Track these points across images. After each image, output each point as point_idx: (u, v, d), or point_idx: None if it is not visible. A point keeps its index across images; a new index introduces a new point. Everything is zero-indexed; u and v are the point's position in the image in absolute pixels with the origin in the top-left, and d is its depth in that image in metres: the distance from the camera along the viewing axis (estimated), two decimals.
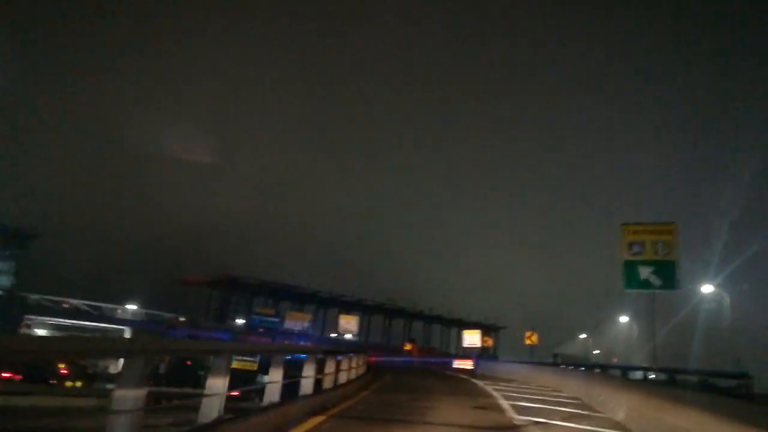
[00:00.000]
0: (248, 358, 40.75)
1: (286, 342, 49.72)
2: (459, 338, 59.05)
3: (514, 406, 10.22)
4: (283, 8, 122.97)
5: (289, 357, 12.13)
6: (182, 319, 58.86)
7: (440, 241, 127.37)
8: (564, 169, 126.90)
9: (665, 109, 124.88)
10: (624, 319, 45.73)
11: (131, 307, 57.34)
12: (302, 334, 60.07)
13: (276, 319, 60.89)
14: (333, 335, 62.56)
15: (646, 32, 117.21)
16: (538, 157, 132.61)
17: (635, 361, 37.86)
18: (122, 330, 52.79)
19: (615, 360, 46.39)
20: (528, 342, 39.13)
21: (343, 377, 12.58)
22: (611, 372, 23.30)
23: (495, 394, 13.33)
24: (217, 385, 5.36)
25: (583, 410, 10.22)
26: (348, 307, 65.22)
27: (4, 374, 31.20)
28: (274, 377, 7.35)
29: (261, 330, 58.40)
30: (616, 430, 8.04)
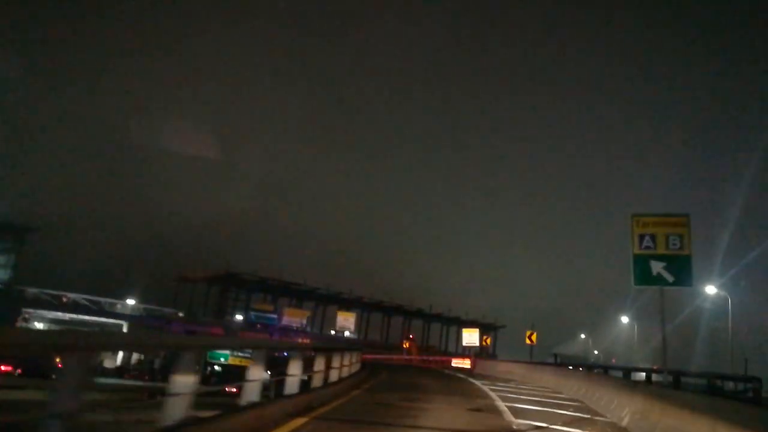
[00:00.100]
0: (244, 354, 40.32)
1: (270, 337, 49.26)
2: (458, 337, 58.59)
3: (512, 409, 9.71)
4: (284, 8, 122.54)
5: (285, 354, 11.68)
6: (181, 314, 58.58)
7: (440, 239, 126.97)
8: (564, 170, 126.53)
9: (666, 110, 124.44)
10: (624, 319, 45.27)
11: (130, 302, 57.12)
12: (300, 331, 59.67)
13: (274, 316, 60.47)
14: (332, 332, 62.17)
15: (647, 31, 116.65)
16: (539, 157, 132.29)
17: (635, 362, 37.37)
18: (120, 324, 52.51)
19: (614, 360, 45.92)
20: (528, 341, 38.62)
21: (334, 375, 12.08)
22: (613, 373, 22.80)
23: (492, 394, 12.83)
24: (184, 383, 4.85)
25: (584, 413, 9.71)
26: (347, 305, 64.77)
27: (2, 367, 30.90)
28: (254, 375, 6.85)
29: (258, 326, 57.99)
30: None
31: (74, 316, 52.78)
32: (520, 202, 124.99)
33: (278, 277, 62.08)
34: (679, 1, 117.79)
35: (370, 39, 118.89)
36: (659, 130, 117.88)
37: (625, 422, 8.37)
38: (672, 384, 14.97)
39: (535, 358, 30.11)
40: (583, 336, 60.79)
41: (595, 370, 21.83)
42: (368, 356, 31.45)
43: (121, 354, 44.82)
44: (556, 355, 34.28)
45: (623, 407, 8.86)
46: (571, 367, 24.09)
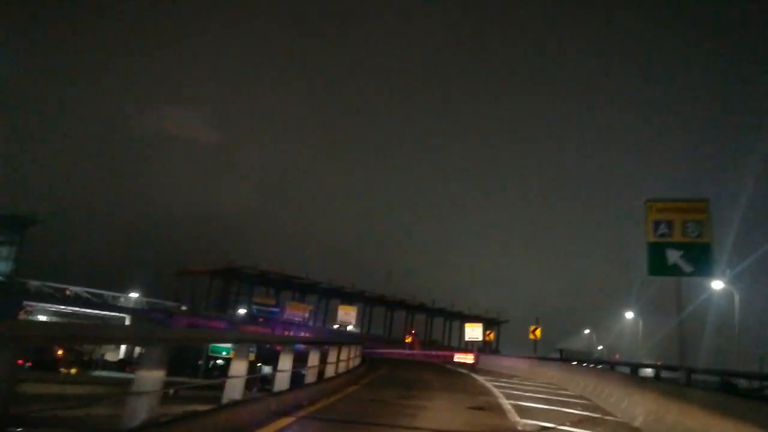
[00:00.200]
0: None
1: (272, 331, 48.89)
2: (461, 331, 58.08)
3: (516, 407, 9.15)
4: (285, 7, 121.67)
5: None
6: (184, 308, 58.41)
7: (444, 235, 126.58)
8: (568, 166, 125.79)
9: (666, 109, 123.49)
10: (629, 314, 44.61)
11: (133, 295, 56.95)
12: (302, 325, 59.38)
13: (276, 309, 60.18)
14: (335, 326, 61.87)
15: (647, 31, 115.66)
16: (541, 155, 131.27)
17: (639, 357, 36.78)
18: (123, 318, 52.38)
19: (617, 356, 45.34)
20: (532, 336, 38.05)
21: (330, 370, 11.59)
22: (619, 369, 22.21)
23: (496, 391, 12.28)
24: (148, 379, 4.32)
25: (594, 412, 9.14)
26: (349, 299, 64.38)
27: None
28: (237, 370, 6.33)
29: (261, 320, 57.75)
30: None
31: (77, 309, 52.63)
32: (523, 198, 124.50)
33: (280, 271, 61.82)
34: (679, 1, 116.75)
35: (370, 39, 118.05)
36: (660, 129, 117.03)
37: (638, 422, 7.80)
38: (684, 381, 14.36)
39: (538, 354, 29.54)
40: (586, 331, 60.21)
41: (599, 366, 21.24)
42: (370, 350, 30.99)
43: (123, 347, 44.71)
44: (561, 351, 33.67)
45: (635, 406, 8.29)
46: (575, 363, 23.53)
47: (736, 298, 27.74)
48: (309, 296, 65.02)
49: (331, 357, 11.72)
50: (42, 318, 49.80)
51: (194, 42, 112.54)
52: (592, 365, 22.42)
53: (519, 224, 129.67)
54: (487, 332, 46.03)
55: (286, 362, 8.06)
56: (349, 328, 61.16)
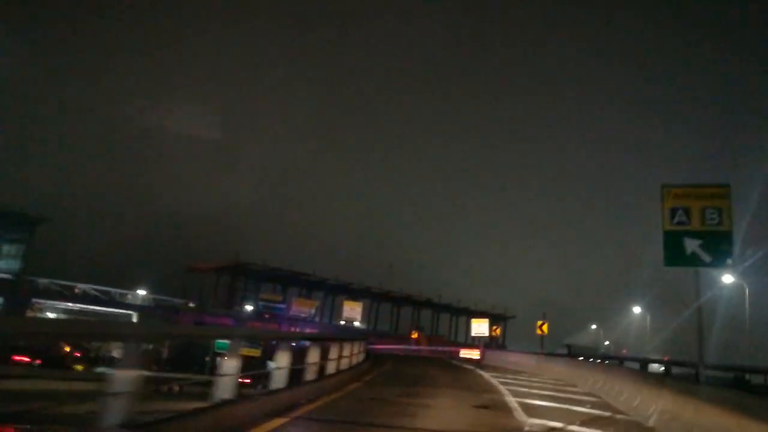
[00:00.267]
0: (249, 344, 39.97)
1: (279, 327, 48.77)
2: (467, 327, 57.69)
3: (523, 405, 8.79)
4: (285, 7, 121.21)
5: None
6: (192, 305, 58.59)
7: (445, 236, 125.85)
8: (570, 159, 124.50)
9: (666, 109, 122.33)
10: (636, 309, 44.09)
11: (141, 292, 57.22)
12: (309, 321, 59.32)
13: (282, 306, 60.12)
14: (342, 322, 61.74)
15: (647, 31, 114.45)
16: (543, 153, 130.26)
17: (646, 353, 36.30)
18: (130, 315, 52.66)
19: (625, 351, 44.85)
20: (539, 332, 37.62)
21: (331, 367, 11.30)
22: (628, 365, 21.79)
23: (502, 388, 11.93)
24: (123, 378, 4.02)
25: (604, 411, 8.77)
26: (355, 295, 64.18)
27: (17, 358, 30.83)
28: (228, 368, 6.01)
29: (267, 316, 57.75)
30: None
31: (84, 306, 52.96)
32: (528, 194, 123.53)
33: (287, 267, 61.74)
34: (679, 1, 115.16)
35: (370, 39, 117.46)
36: (661, 128, 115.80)
37: (651, 422, 7.43)
38: (695, 377, 13.95)
39: (545, 349, 29.13)
40: (593, 327, 59.65)
41: (606, 362, 20.85)
42: (377, 346, 30.74)
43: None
44: (569, 346, 33.22)
45: (648, 404, 7.90)
46: (581, 358, 23.13)
47: (747, 292, 27.13)
48: (316, 293, 64.89)
49: (333, 353, 11.43)
50: (51, 315, 50.12)
51: (194, 42, 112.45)
52: (600, 361, 22.02)
53: (524, 220, 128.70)
54: (494, 328, 45.56)
55: (282, 359, 7.76)
56: (356, 324, 61.00)
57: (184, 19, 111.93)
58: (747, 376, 12.59)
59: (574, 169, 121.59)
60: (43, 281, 53.20)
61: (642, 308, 43.62)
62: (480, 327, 38.76)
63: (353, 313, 60.16)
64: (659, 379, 9.26)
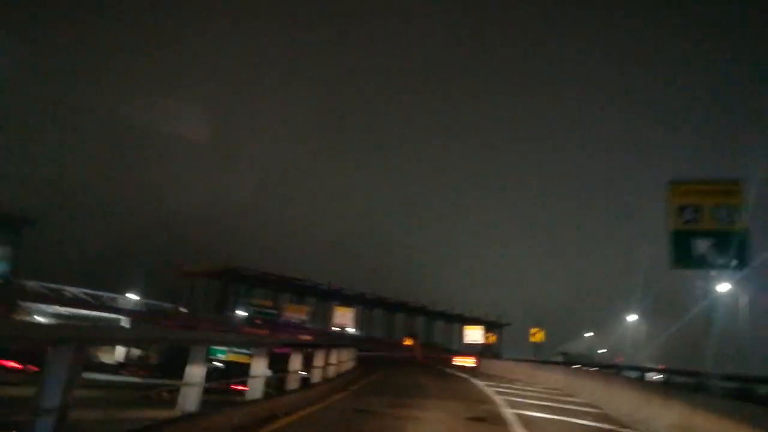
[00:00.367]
0: (241, 351, 39.13)
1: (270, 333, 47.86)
2: (462, 334, 57.03)
3: (519, 417, 8.18)
4: (285, 7, 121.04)
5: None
6: (183, 309, 57.67)
7: (444, 237, 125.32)
8: (568, 166, 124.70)
9: (666, 109, 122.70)
10: (632, 317, 43.67)
11: (132, 296, 56.35)
12: (301, 327, 58.46)
13: (273, 311, 59.26)
14: (336, 329, 60.92)
15: (647, 31, 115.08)
16: (540, 156, 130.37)
17: (640, 361, 35.86)
18: (119, 319, 51.68)
19: (621, 359, 44.44)
20: (533, 339, 37.11)
21: (317, 375, 10.66)
22: (626, 373, 21.22)
23: (497, 398, 11.31)
24: (55, 388, 3.39)
25: (607, 424, 8.16)
26: (349, 301, 63.40)
27: (6, 363, 29.86)
28: (192, 377, 5.39)
29: (258, 321, 56.87)
30: None
31: (74, 310, 51.98)
32: (524, 199, 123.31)
33: (280, 272, 60.97)
34: (679, 1, 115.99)
35: (370, 39, 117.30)
36: (661, 128, 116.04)
37: None
38: (696, 387, 13.40)
39: (540, 357, 28.57)
40: (587, 334, 59.30)
41: (604, 370, 20.28)
42: (368, 353, 29.99)
43: (122, 349, 43.95)
44: (565, 353, 32.65)
45: (655, 417, 7.32)
46: (576, 366, 22.55)
47: (742, 300, 26.60)
48: (308, 298, 64.08)
49: (318, 361, 10.80)
50: (40, 319, 49.05)
51: (194, 42, 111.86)
52: (596, 369, 21.43)
53: (519, 225, 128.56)
54: (488, 335, 44.99)
55: (258, 367, 7.14)
56: (349, 330, 60.17)
57: (184, 19, 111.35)
58: (753, 387, 12.07)
59: (573, 169, 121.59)
60: (31, 284, 52.16)
61: (638, 315, 43.24)
62: (473, 334, 38.25)
63: (344, 319, 59.36)
64: (664, 390, 8.68)
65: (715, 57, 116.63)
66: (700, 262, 6.96)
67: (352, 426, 6.46)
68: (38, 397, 3.34)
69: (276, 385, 9.20)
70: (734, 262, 6.97)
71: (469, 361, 30.38)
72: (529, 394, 13.12)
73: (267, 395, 7.20)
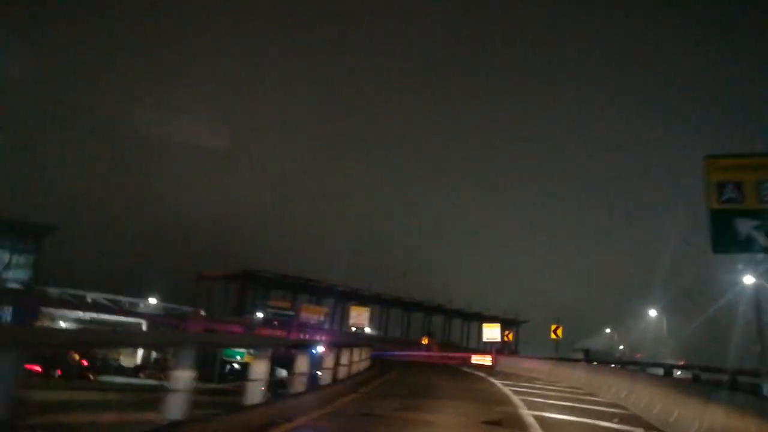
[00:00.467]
0: (254, 353, 39.08)
1: (288, 334, 47.75)
2: (479, 333, 56.24)
3: (540, 420, 7.61)
4: (285, 7, 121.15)
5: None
6: (203, 313, 58.22)
7: (461, 236, 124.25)
8: (580, 165, 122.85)
9: (667, 109, 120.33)
10: (652, 313, 42.52)
11: (152, 300, 57.10)
12: (318, 327, 58.41)
13: (291, 313, 59.40)
14: (353, 329, 60.78)
15: (647, 31, 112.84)
16: (550, 154, 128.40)
17: (661, 357, 34.78)
18: (140, 323, 52.42)
19: (641, 356, 43.26)
20: (553, 336, 36.26)
21: (326, 377, 10.22)
22: (651, 371, 20.35)
23: (515, 399, 10.72)
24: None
25: (636, 426, 7.54)
26: (365, 301, 63.15)
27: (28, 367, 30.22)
28: (179, 382, 4.96)
29: (275, 323, 57.03)
30: None
31: (95, 315, 52.86)
32: (541, 198, 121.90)
33: (297, 274, 61.22)
34: (679, 1, 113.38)
35: (370, 39, 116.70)
36: (661, 128, 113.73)
37: None
38: (729, 385, 12.57)
39: (559, 354, 27.75)
40: (607, 330, 57.97)
41: (628, 367, 19.43)
42: (385, 353, 29.57)
43: (141, 352, 44.35)
44: (587, 351, 31.70)
45: (692, 420, 6.68)
46: (595, 363, 21.75)
47: None
48: (326, 299, 64.07)
49: (327, 362, 10.36)
50: (63, 324, 49.92)
51: (194, 42, 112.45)
52: (619, 366, 20.58)
53: (536, 224, 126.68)
54: (506, 333, 44.18)
55: (259, 369, 6.71)
56: (368, 330, 59.91)
57: (184, 19, 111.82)
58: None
59: (587, 171, 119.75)
60: (54, 291, 53.14)
61: (658, 311, 42.10)
62: (491, 332, 37.54)
63: (360, 319, 59.08)
64: (702, 389, 7.98)
65: (715, 57, 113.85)
66: (745, 245, 6.24)
67: None
68: None
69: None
70: None
71: (486, 360, 29.72)
72: (549, 393, 12.51)
73: (268, 400, 6.77)
